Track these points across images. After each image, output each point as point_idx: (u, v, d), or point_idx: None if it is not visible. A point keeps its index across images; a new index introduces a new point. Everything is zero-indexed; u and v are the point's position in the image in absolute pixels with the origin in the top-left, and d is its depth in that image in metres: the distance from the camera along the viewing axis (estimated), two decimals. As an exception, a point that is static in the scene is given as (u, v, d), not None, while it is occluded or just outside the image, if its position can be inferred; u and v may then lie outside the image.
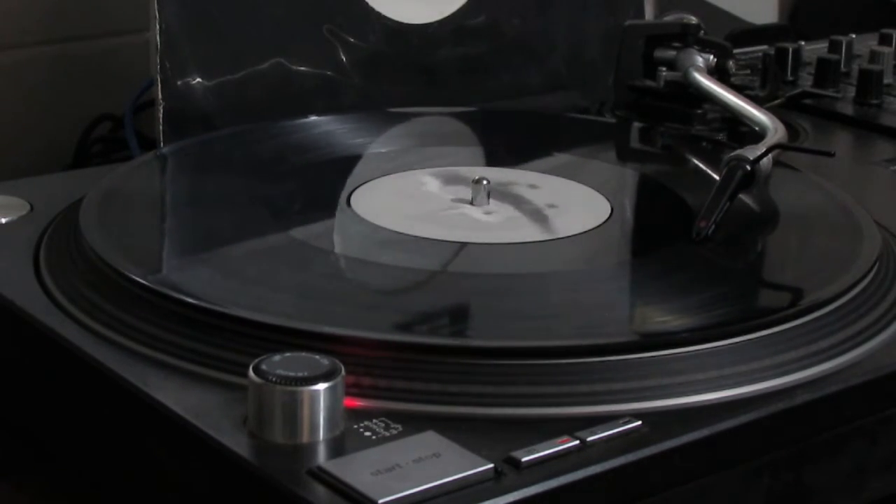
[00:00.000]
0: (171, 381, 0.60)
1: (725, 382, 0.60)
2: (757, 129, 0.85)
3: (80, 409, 0.64)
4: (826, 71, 1.04)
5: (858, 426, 0.63)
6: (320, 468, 0.53)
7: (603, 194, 0.79)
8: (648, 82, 0.95)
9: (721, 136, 0.92)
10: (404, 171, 0.82)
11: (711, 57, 0.93)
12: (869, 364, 0.64)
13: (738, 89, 0.92)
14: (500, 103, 1.00)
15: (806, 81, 1.06)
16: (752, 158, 0.76)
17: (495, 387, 0.59)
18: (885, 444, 0.64)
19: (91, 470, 0.65)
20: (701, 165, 0.86)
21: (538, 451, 0.54)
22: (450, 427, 0.56)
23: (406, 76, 0.97)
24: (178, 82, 0.88)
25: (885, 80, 1.03)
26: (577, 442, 0.55)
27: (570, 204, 0.78)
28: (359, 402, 0.57)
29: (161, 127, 0.87)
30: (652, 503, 0.56)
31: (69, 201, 0.77)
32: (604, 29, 1.05)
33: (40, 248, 0.72)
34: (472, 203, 0.77)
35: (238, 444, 0.55)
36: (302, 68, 0.93)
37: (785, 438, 0.60)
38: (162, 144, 0.86)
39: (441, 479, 0.52)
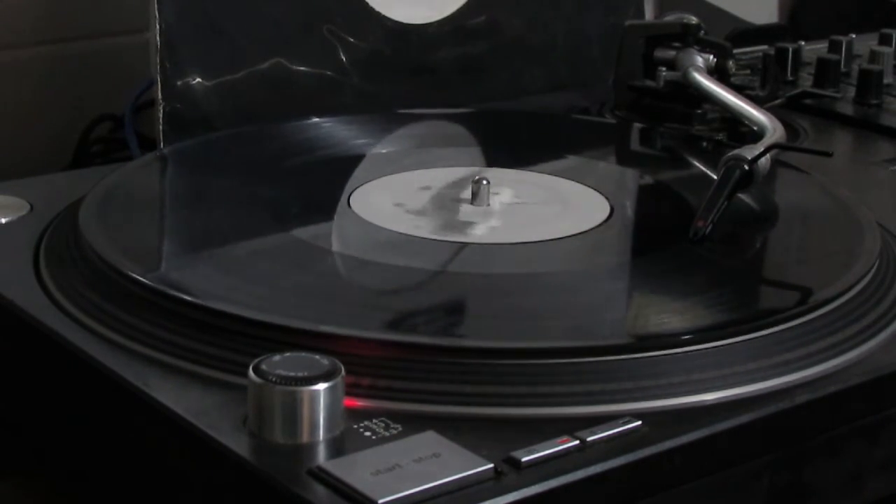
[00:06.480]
0: (171, 381, 0.60)
1: (725, 382, 0.60)
2: (756, 129, 0.85)
3: (80, 409, 0.64)
4: (826, 71, 1.04)
5: (858, 426, 0.63)
6: (320, 468, 0.53)
7: (603, 194, 0.79)
8: (648, 82, 0.95)
9: (721, 136, 0.92)
10: (404, 171, 0.82)
11: (711, 57, 0.93)
12: (869, 364, 0.64)
13: (738, 89, 0.92)
14: (500, 103, 1.00)
15: (806, 81, 1.06)
16: (749, 158, 0.76)
17: (495, 387, 0.59)
18: (885, 444, 0.64)
19: (91, 470, 0.65)
20: (700, 165, 0.86)
21: (538, 451, 0.54)
22: (450, 427, 0.56)
23: (406, 76, 0.98)
24: (178, 82, 0.88)
25: (885, 80, 1.03)
26: (577, 442, 0.55)
27: (569, 204, 0.78)
28: (359, 402, 0.57)
29: (161, 127, 0.87)
30: (652, 503, 0.57)
31: (69, 201, 0.77)
32: (604, 29, 1.05)
33: (40, 248, 0.72)
34: (471, 203, 0.77)
35: (238, 444, 0.55)
36: (302, 68, 0.93)
37: (785, 438, 0.60)
38: (162, 144, 0.86)
39: (441, 479, 0.52)
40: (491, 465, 0.53)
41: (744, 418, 0.59)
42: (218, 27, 0.90)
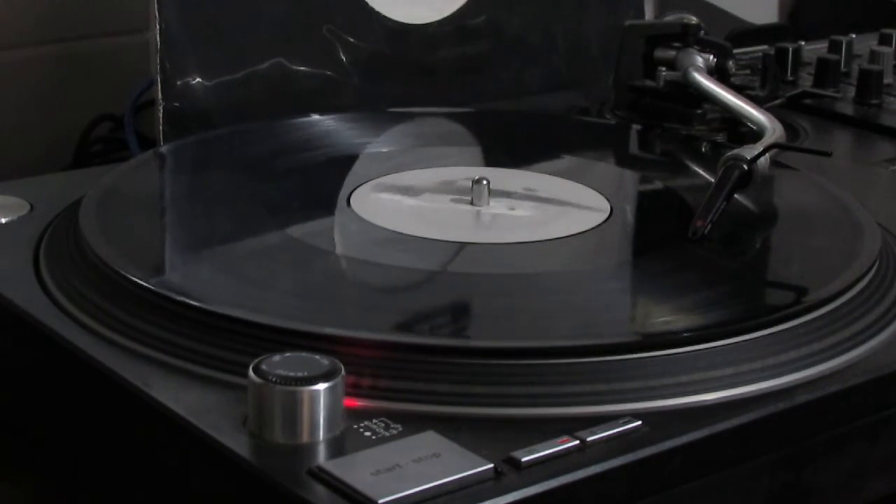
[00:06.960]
0: (171, 381, 0.60)
1: (725, 382, 0.60)
2: (756, 129, 0.85)
3: (80, 409, 0.64)
4: (826, 71, 1.04)
5: (858, 426, 0.63)
6: (320, 468, 0.53)
7: (602, 194, 0.79)
8: (648, 82, 0.95)
9: (721, 137, 0.92)
10: (404, 170, 0.82)
11: (711, 57, 0.93)
12: (869, 364, 0.64)
13: (738, 89, 0.92)
14: (500, 103, 1.00)
15: (806, 81, 1.06)
16: (748, 158, 0.76)
17: (495, 387, 0.59)
18: (885, 444, 0.64)
19: (91, 470, 0.65)
20: (700, 166, 0.86)
21: (538, 451, 0.54)
22: (450, 427, 0.56)
23: (406, 76, 0.98)
24: (178, 82, 0.88)
25: (885, 80, 1.03)
26: (577, 442, 0.55)
27: (569, 204, 0.78)
28: (359, 402, 0.57)
29: (161, 127, 0.87)
30: (652, 503, 0.57)
31: (69, 201, 0.77)
32: (604, 29, 1.05)
33: (40, 248, 0.72)
34: (471, 203, 0.77)
35: (238, 444, 0.55)
36: (302, 68, 0.93)
37: (785, 438, 0.60)
38: (162, 144, 0.86)
39: (441, 479, 0.52)
40: (491, 465, 0.53)
41: (744, 418, 0.59)
42: (218, 27, 0.90)
